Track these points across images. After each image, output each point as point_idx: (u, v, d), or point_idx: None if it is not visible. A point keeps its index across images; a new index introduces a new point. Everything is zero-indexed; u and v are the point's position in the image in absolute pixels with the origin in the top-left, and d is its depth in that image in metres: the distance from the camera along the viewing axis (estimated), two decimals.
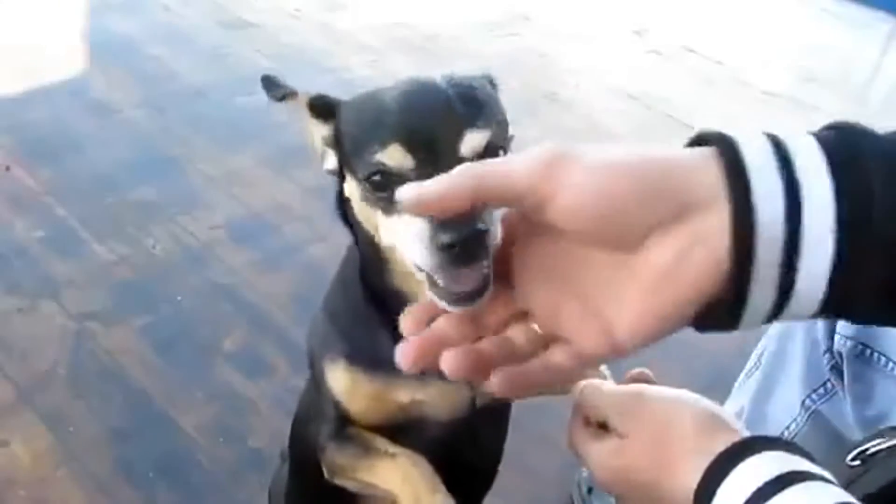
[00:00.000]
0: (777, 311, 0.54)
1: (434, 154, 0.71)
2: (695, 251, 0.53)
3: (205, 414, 1.87)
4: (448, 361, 0.57)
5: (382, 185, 0.73)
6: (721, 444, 0.63)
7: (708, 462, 0.62)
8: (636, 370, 0.79)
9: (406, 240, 0.69)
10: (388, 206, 0.73)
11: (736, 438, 0.64)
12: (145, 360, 1.98)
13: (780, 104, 3.83)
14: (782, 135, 0.54)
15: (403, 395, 0.91)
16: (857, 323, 1.15)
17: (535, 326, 0.61)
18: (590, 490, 1.74)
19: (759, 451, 0.61)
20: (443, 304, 0.60)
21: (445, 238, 0.58)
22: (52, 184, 2.53)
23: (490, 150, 0.74)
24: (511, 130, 0.89)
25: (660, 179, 0.53)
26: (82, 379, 1.91)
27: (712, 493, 0.61)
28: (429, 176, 0.61)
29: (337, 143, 0.84)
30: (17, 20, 3.48)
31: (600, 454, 0.74)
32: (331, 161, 0.86)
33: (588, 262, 0.57)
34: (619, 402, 0.74)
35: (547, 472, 1.82)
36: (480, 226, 0.58)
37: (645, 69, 4.00)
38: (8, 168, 2.56)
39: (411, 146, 0.72)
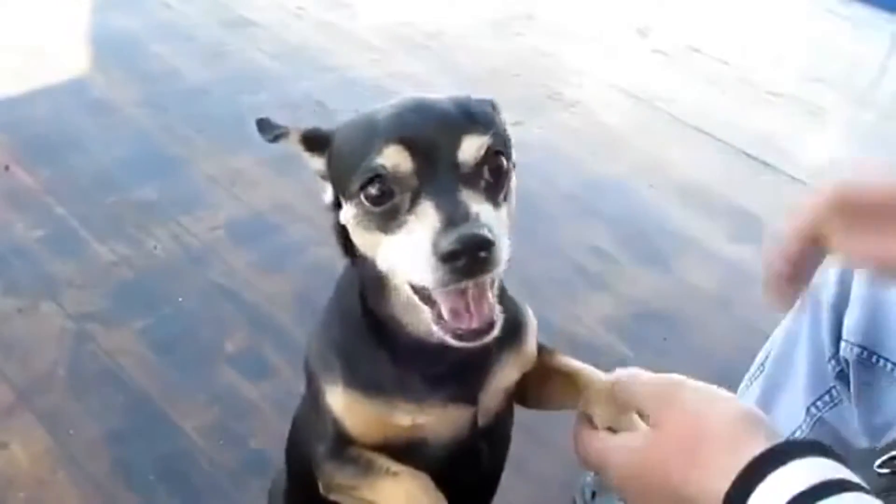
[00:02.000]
0: None
1: (433, 158, 0.69)
2: None
3: (205, 416, 1.86)
4: None
5: (379, 197, 0.70)
6: (756, 448, 0.62)
7: (740, 465, 0.61)
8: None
9: (406, 256, 0.67)
10: (386, 222, 0.71)
11: (772, 442, 0.63)
12: (145, 361, 1.97)
13: (786, 104, 3.80)
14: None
15: (404, 418, 0.88)
16: None
17: None
18: (593, 495, 1.72)
19: (795, 457, 0.60)
20: (447, 340, 0.57)
21: (448, 244, 0.54)
22: (52, 183, 2.52)
23: (491, 156, 0.72)
24: (514, 131, 0.88)
25: None
26: (82, 380, 1.90)
27: (745, 498, 0.60)
28: (429, 180, 0.58)
29: (330, 170, 0.83)
30: (17, 19, 3.46)
31: (626, 446, 0.73)
32: (328, 194, 0.85)
33: None
34: (657, 390, 0.74)
35: (550, 476, 1.81)
36: (485, 231, 0.54)
37: (649, 69, 3.97)
38: (7, 167, 2.55)
39: (409, 147, 0.69)
